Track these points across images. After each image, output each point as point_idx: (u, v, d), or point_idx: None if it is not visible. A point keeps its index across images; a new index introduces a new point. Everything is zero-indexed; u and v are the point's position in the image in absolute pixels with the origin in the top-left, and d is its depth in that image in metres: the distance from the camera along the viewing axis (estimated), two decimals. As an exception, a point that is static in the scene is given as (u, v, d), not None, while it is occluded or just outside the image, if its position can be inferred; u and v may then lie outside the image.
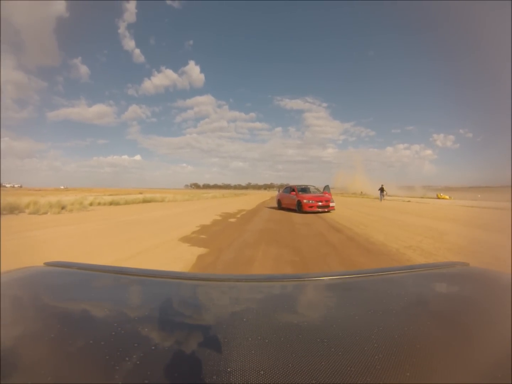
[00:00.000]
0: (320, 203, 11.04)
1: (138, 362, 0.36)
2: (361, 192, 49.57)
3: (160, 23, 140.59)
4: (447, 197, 33.88)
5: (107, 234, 6.08)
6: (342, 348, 0.39)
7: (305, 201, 11.08)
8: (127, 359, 0.36)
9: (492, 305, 0.58)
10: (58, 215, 9.66)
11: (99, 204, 15.08)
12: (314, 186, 13.00)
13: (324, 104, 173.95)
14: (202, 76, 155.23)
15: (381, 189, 22.82)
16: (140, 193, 32.84)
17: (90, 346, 0.40)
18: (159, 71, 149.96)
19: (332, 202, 11.47)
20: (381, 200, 21.73)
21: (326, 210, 11.17)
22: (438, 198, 32.74)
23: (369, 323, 0.48)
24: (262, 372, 0.34)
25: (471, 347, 0.42)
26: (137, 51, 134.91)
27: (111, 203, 15.63)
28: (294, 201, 11.74)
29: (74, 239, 5.39)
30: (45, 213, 9.85)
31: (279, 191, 14.59)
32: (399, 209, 14.47)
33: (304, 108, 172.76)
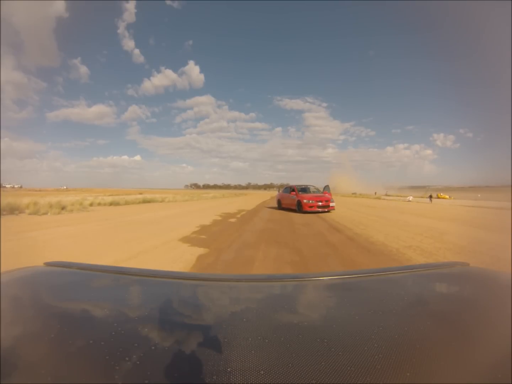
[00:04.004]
0: (320, 203, 11.03)
1: (138, 362, 0.36)
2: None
3: (159, 23, 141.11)
4: (447, 196, 34.07)
5: (107, 234, 6.08)
6: (342, 348, 0.39)
7: (305, 201, 11.07)
8: (127, 359, 0.36)
9: (492, 305, 0.58)
10: (58, 216, 9.65)
11: (99, 204, 15.07)
12: (314, 186, 12.99)
13: (324, 104, 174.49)
14: (201, 76, 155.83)
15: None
16: (140, 193, 32.88)
17: (90, 346, 0.40)
18: (158, 71, 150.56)
19: (332, 202, 11.47)
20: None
21: (326, 210, 11.16)
22: (438, 197, 32.92)
23: (369, 323, 0.48)
24: (262, 372, 0.34)
25: (471, 347, 0.42)
26: (137, 51, 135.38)
27: (111, 204, 15.62)
28: (294, 201, 11.73)
29: (74, 239, 5.38)
30: (45, 213, 9.85)
31: (279, 191, 14.58)
32: (399, 209, 14.47)
33: (304, 108, 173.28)
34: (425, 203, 23.88)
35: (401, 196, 37.24)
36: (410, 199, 29.06)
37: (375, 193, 52.66)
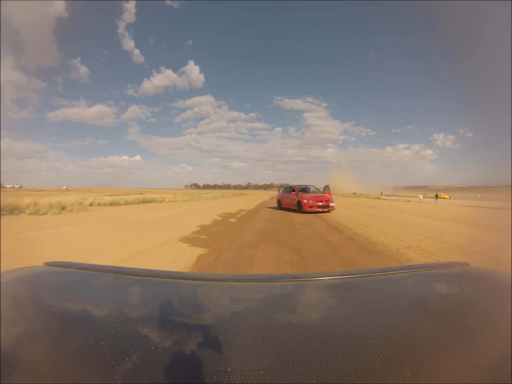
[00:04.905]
0: (320, 203, 11.03)
1: (138, 362, 0.36)
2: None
3: (159, 23, 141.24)
4: (447, 196, 34.21)
5: (107, 234, 6.08)
6: (342, 348, 0.39)
7: (305, 201, 11.07)
8: (127, 359, 0.36)
9: (492, 305, 0.58)
10: (58, 216, 9.65)
11: (99, 204, 15.07)
12: (314, 186, 12.99)
13: (324, 104, 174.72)
14: (201, 76, 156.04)
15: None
16: (140, 193, 32.90)
17: (90, 346, 0.40)
18: (158, 71, 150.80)
19: (332, 202, 11.47)
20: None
21: (326, 210, 11.16)
22: (439, 197, 33.00)
23: (369, 323, 0.48)
24: (262, 372, 0.34)
25: (471, 347, 0.42)
26: (137, 51, 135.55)
27: (111, 204, 15.62)
28: (294, 201, 11.73)
29: (74, 239, 5.38)
30: (45, 213, 9.84)
31: (279, 191, 14.58)
32: (399, 209, 14.46)
33: (304, 108, 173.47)
34: (428, 203, 24.13)
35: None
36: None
37: (381, 193, 52.52)
